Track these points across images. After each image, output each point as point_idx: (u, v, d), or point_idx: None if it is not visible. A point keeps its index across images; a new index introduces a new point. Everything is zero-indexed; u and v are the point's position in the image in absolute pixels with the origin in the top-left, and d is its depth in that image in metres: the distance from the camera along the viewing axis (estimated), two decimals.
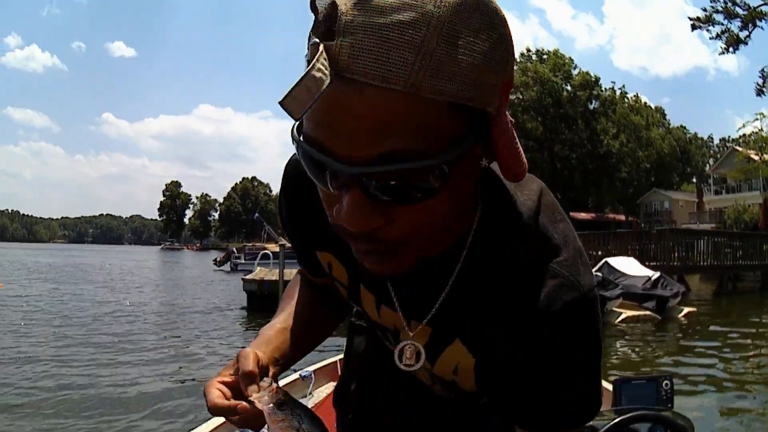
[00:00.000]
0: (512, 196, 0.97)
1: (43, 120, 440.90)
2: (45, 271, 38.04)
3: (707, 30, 32.61)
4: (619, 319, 14.76)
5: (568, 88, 59.37)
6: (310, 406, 3.34)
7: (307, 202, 1.05)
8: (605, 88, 61.09)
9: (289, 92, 0.67)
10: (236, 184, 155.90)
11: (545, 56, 61.18)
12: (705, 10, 32.25)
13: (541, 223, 0.96)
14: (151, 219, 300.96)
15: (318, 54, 0.67)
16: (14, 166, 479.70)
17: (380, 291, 1.09)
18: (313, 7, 0.72)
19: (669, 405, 2.52)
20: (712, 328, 14.74)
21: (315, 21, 0.71)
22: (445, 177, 0.75)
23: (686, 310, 16.20)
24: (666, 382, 2.59)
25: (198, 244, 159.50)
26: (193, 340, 12.67)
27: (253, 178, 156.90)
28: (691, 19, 32.76)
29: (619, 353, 11.70)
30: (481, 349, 1.01)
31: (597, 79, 60.10)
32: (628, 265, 17.79)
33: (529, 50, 63.07)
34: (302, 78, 0.66)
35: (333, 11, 0.69)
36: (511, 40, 0.77)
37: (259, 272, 20.33)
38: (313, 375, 4.11)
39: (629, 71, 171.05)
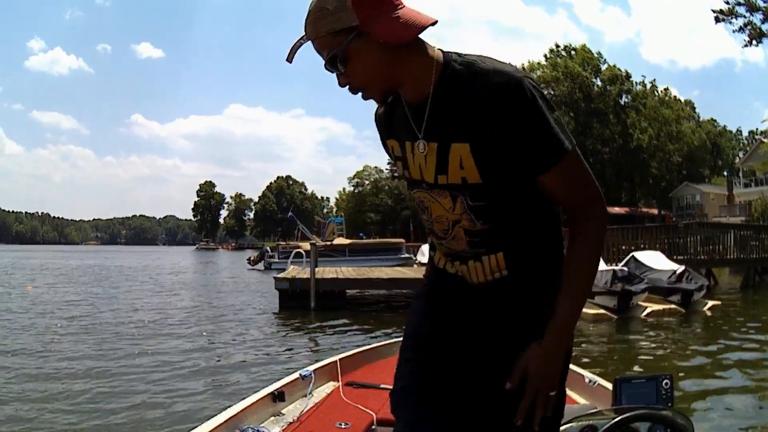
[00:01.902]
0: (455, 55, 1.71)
1: (70, 123, 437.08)
2: (74, 274, 38.16)
3: (730, 23, 32.37)
4: (645, 313, 14.79)
5: (598, 82, 59.08)
6: (309, 406, 3.74)
7: (379, 118, 1.92)
8: (636, 82, 60.67)
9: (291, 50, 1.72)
10: (271, 183, 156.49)
11: (573, 51, 60.97)
12: (728, 2, 32.00)
13: (478, 57, 1.67)
14: (185, 219, 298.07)
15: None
16: (43, 169, 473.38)
17: (407, 133, 1.77)
18: None
19: (669, 404, 2.53)
20: (735, 321, 14.55)
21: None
22: (345, 55, 1.63)
23: (711, 303, 16.11)
24: (666, 381, 2.59)
25: (233, 244, 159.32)
26: (224, 336, 12.75)
27: (288, 177, 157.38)
28: (714, 11, 32.54)
29: (642, 347, 11.68)
30: (471, 136, 1.62)
31: (627, 74, 59.76)
32: (654, 259, 17.82)
33: (558, 46, 62.96)
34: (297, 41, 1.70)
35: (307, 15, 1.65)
36: (340, 5, 1.58)
37: (291, 271, 20.59)
38: (313, 374, 4.10)
39: (659, 64, 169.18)
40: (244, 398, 3.49)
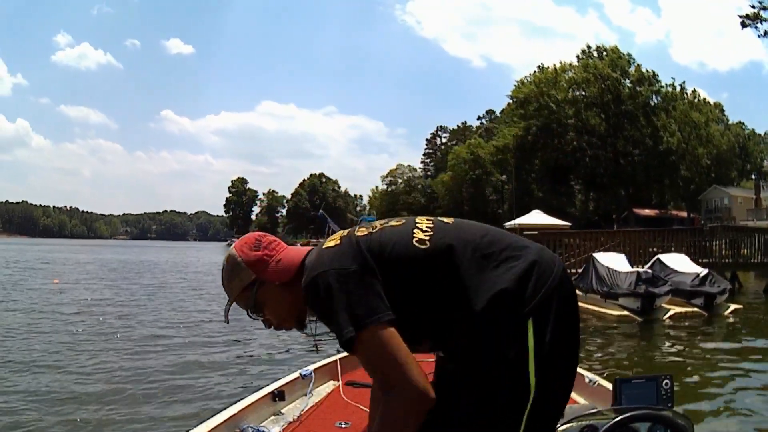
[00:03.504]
0: None
1: (99, 117, 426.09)
2: (102, 269, 37.60)
3: (756, 27, 32.14)
4: (667, 315, 14.79)
5: (628, 83, 58.62)
6: (309, 406, 3.79)
7: None
8: (665, 84, 60.12)
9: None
10: (304, 180, 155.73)
11: (604, 53, 60.55)
12: (754, 6, 31.78)
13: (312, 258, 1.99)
14: (217, 215, 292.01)
15: None
16: (71, 163, 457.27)
17: None
18: None
19: (669, 404, 2.53)
20: (755, 326, 14.61)
21: None
22: (258, 303, 2.04)
23: (733, 307, 16.02)
24: (666, 381, 2.59)
25: None
26: (230, 336, 12.24)
27: (321, 175, 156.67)
28: (740, 16, 32.33)
29: (659, 350, 11.78)
30: None
31: (654, 75, 59.20)
32: (678, 262, 17.75)
33: (589, 47, 62.57)
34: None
35: None
36: (234, 268, 2.05)
37: None
38: (313, 374, 4.12)
39: (688, 66, 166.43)
40: (244, 397, 3.54)
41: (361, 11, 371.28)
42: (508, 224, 39.23)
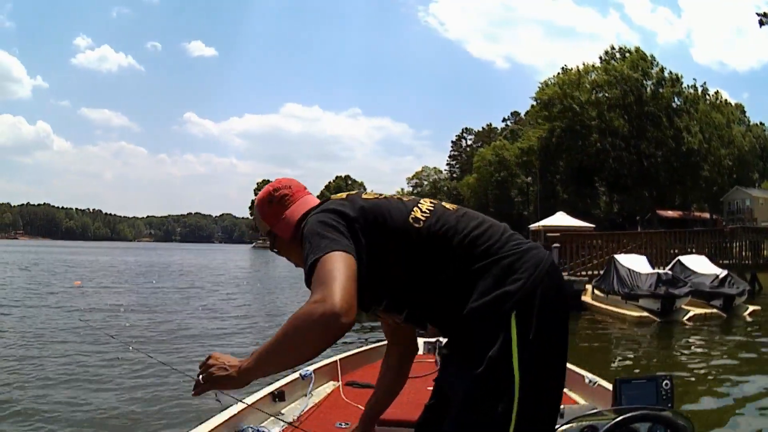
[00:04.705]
0: None
1: (121, 120, 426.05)
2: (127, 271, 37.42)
3: None
4: (687, 316, 14.82)
5: (650, 85, 58.24)
6: (309, 406, 3.75)
7: None
8: (687, 86, 59.64)
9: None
10: (329, 182, 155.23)
11: (627, 54, 60.17)
12: None
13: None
14: (243, 217, 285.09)
15: None
16: (94, 166, 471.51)
17: None
18: None
19: (669, 405, 2.47)
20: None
21: None
22: (274, 244, 2.25)
23: (751, 308, 16.02)
24: (666, 381, 2.53)
25: None
26: (236, 337, 12.30)
27: (347, 177, 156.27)
28: (758, 14, 32.08)
29: (676, 350, 11.88)
30: None
31: (677, 77, 58.77)
32: (698, 263, 17.77)
33: (612, 48, 62.22)
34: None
35: None
36: (257, 217, 2.26)
37: None
38: (313, 374, 4.05)
39: (709, 66, 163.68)
40: (243, 398, 3.42)
41: (384, 13, 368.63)
42: (532, 226, 39.19)
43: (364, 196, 2.04)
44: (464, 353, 1.86)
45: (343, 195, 2.07)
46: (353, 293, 1.64)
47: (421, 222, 1.94)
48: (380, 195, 2.07)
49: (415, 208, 1.99)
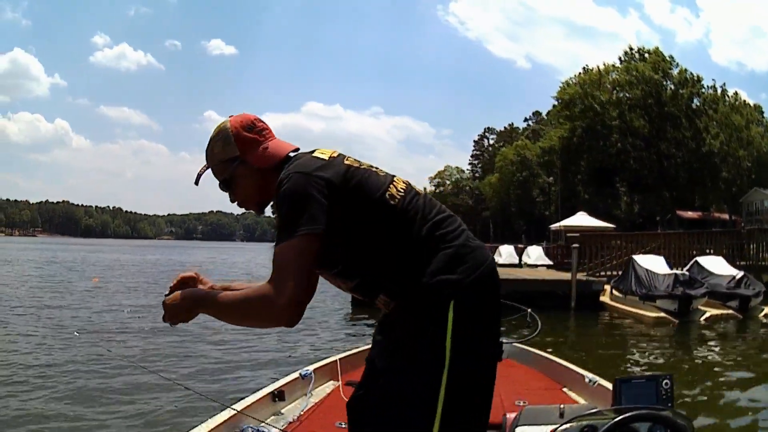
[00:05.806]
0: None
1: (141, 118, 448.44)
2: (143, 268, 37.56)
3: None
4: (703, 317, 14.86)
5: (670, 85, 57.79)
6: (309, 406, 3.75)
7: None
8: (707, 86, 59.09)
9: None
10: None
11: (646, 54, 59.72)
12: None
13: (298, 161, 2.05)
14: (265, 216, 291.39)
15: None
16: (114, 164, 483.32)
17: None
18: None
19: (669, 404, 2.43)
20: None
21: None
22: (230, 179, 2.15)
23: (767, 309, 15.99)
24: (666, 381, 2.49)
25: None
26: (237, 335, 11.66)
27: None
28: None
29: (691, 350, 11.97)
30: None
31: (699, 78, 58.26)
32: (715, 265, 17.80)
33: (631, 48, 61.81)
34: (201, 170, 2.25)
35: None
36: (224, 139, 2.14)
37: None
38: (313, 374, 4.06)
39: (727, 67, 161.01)
40: (244, 397, 3.50)
41: (404, 12, 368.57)
42: (553, 226, 39.12)
43: (346, 161, 2.06)
44: (400, 329, 1.97)
45: (326, 155, 2.07)
46: (305, 291, 1.86)
47: (396, 200, 2.00)
48: (361, 163, 2.11)
49: (390, 186, 2.04)
